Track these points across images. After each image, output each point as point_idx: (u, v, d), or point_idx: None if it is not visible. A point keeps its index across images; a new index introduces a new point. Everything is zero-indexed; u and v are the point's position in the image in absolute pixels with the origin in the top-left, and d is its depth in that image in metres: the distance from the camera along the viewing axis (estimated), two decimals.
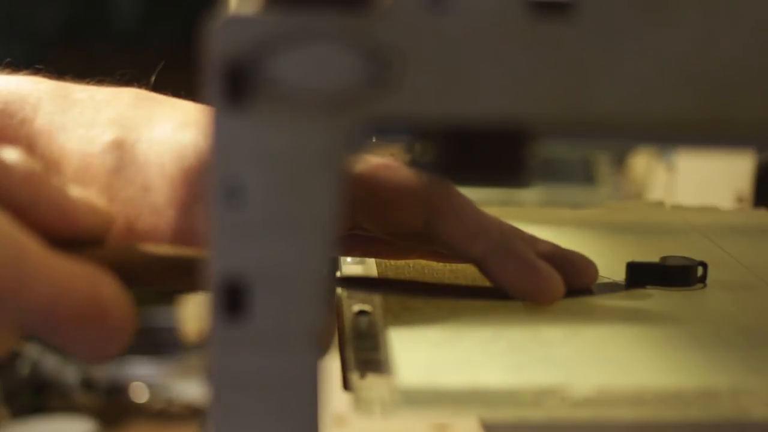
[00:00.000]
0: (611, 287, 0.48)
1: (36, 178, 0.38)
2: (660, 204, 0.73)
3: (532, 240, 0.48)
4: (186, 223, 0.46)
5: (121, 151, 0.47)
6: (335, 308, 0.45)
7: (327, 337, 0.40)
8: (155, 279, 0.40)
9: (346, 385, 0.40)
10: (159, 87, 0.51)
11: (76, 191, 0.39)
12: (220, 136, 0.33)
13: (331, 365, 0.38)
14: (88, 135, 0.47)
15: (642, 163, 1.22)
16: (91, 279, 0.37)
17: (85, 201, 0.39)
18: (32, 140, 0.48)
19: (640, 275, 0.49)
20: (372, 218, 0.48)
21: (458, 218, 0.47)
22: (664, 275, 0.49)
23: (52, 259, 0.36)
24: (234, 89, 0.32)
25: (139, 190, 0.46)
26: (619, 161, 1.27)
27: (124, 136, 0.47)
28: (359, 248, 0.51)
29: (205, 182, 0.33)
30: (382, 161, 0.48)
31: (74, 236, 0.38)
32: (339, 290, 0.48)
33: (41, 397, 1.35)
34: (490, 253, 0.46)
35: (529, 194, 1.11)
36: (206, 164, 0.33)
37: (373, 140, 0.34)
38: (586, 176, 1.26)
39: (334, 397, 0.37)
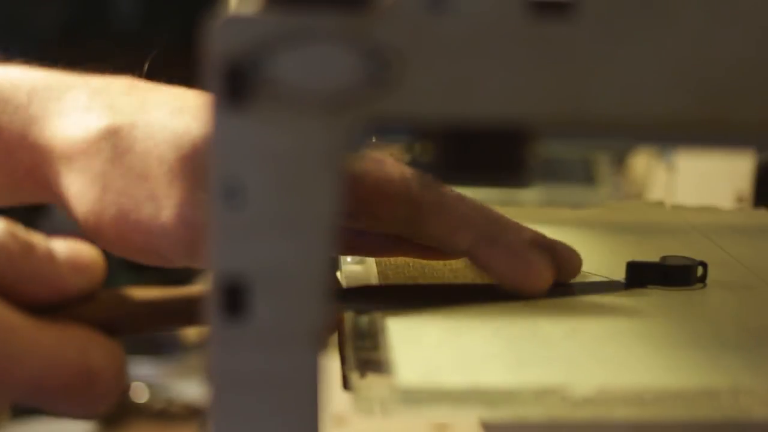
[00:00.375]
0: (611, 286, 0.48)
1: (20, 256, 0.37)
2: (660, 204, 0.73)
3: (518, 228, 0.48)
4: (188, 211, 0.45)
5: (117, 139, 0.46)
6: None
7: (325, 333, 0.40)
8: (148, 324, 0.40)
9: (346, 384, 0.40)
10: None
11: (62, 248, 0.38)
12: (221, 136, 0.33)
13: (331, 365, 0.38)
14: (83, 120, 0.47)
15: (642, 163, 1.22)
16: (79, 347, 0.38)
17: (71, 262, 0.38)
18: (26, 127, 0.48)
19: (640, 275, 0.49)
20: (354, 212, 0.47)
21: (442, 211, 0.46)
22: (664, 275, 0.49)
23: (40, 333, 0.37)
24: (234, 89, 0.32)
25: (136, 179, 0.46)
26: (619, 161, 1.27)
27: (119, 122, 0.47)
28: (352, 245, 0.50)
29: (205, 177, 0.33)
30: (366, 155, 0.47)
31: (62, 300, 0.38)
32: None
33: None
34: (477, 244, 0.46)
35: (529, 194, 1.11)
36: (206, 161, 0.33)
37: (373, 140, 0.34)
38: (586, 176, 1.26)
39: (334, 397, 0.37)
